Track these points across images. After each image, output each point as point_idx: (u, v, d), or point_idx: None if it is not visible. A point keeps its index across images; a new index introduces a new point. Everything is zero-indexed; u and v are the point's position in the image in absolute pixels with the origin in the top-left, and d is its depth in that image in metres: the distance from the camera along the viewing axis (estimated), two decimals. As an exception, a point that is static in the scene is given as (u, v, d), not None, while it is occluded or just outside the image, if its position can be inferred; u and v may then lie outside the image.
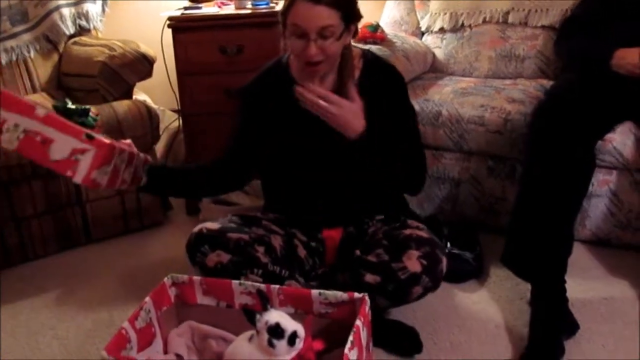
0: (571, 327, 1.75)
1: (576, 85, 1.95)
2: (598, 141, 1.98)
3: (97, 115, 1.55)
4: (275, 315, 1.40)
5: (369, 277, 1.61)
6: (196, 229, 1.73)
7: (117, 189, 1.62)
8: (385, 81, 1.75)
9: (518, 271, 1.88)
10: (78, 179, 1.40)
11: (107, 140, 1.45)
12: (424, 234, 1.67)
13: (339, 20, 1.58)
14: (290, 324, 1.39)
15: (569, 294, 1.79)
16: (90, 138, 1.38)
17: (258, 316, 1.40)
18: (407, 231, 1.68)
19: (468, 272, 2.04)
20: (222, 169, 1.84)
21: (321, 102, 1.55)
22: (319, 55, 1.59)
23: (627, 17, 2.04)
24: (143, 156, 1.70)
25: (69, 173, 1.40)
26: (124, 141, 1.65)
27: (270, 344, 1.37)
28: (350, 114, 1.59)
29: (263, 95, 1.79)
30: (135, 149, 1.65)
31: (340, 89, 1.65)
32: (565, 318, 1.75)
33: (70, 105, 1.49)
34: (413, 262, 1.59)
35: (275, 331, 1.38)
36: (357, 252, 1.70)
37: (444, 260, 1.64)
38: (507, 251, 1.89)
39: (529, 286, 1.95)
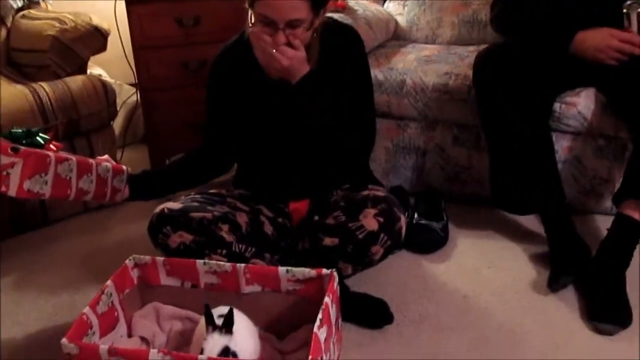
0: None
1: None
2: (556, 98, 2.01)
3: (50, 135, 1.55)
4: (210, 346, 1.33)
5: (327, 240, 1.60)
6: (157, 209, 1.68)
7: (86, 200, 1.62)
8: (343, 43, 1.74)
9: (511, 208, 2.04)
10: (12, 192, 1.38)
11: (36, 150, 1.42)
12: (380, 193, 1.68)
13: (309, 11, 1.55)
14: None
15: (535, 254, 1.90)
16: (15, 151, 1.37)
17: (209, 330, 1.35)
18: (365, 192, 1.68)
19: (436, 242, 2.03)
20: (205, 154, 1.83)
21: (274, 52, 1.55)
22: (287, 43, 1.56)
23: None
24: (119, 167, 1.70)
25: (2, 188, 1.38)
26: (100, 157, 1.69)
27: None
28: (296, 63, 1.58)
29: (227, 74, 1.76)
30: (107, 162, 1.66)
31: None
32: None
33: (15, 130, 1.47)
34: (369, 220, 1.58)
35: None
36: (316, 217, 1.69)
37: (402, 218, 1.63)
38: (495, 193, 2.02)
39: (496, 254, 1.99)
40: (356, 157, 1.82)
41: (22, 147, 1.39)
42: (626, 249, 1.76)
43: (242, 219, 1.72)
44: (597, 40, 1.84)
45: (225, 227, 1.65)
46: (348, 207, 1.63)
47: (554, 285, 1.79)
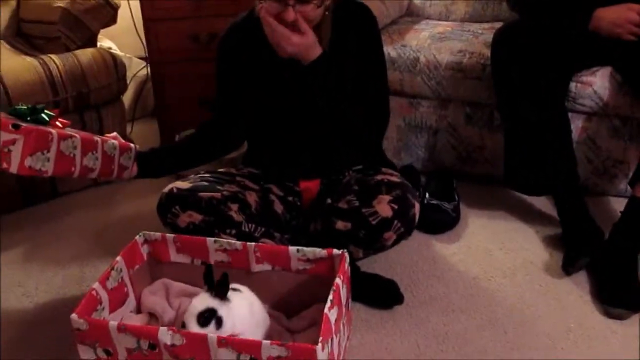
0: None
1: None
2: (572, 77, 1.98)
3: (56, 112, 1.52)
4: (192, 310, 1.33)
5: (340, 224, 1.58)
6: (166, 188, 1.67)
7: (92, 177, 1.58)
8: (356, 22, 1.69)
9: (524, 189, 2.04)
10: (13, 169, 1.36)
11: (38, 127, 1.39)
12: (395, 178, 1.65)
13: None
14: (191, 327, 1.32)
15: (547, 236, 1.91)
16: (16, 127, 1.35)
17: (201, 292, 1.36)
18: (379, 176, 1.65)
19: (447, 222, 2.02)
20: (215, 128, 1.79)
21: (281, 28, 1.51)
22: (297, 20, 1.51)
23: None
24: (127, 145, 1.67)
25: (4, 165, 1.36)
26: (108, 135, 1.66)
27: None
28: (303, 49, 1.55)
29: (235, 51, 1.72)
30: (114, 139, 1.63)
31: None
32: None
33: (21, 106, 1.45)
34: (384, 207, 1.55)
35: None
36: (329, 200, 1.66)
37: (417, 205, 1.61)
38: (508, 173, 2.01)
39: (507, 235, 1.98)
40: (368, 137, 1.79)
41: (24, 124, 1.36)
42: (639, 233, 1.74)
43: (252, 197, 1.71)
44: (616, 15, 1.81)
45: (234, 207, 1.64)
46: (362, 192, 1.61)
47: (569, 268, 1.78)
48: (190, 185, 1.67)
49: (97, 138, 1.56)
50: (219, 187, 1.68)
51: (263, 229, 1.65)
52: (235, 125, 1.81)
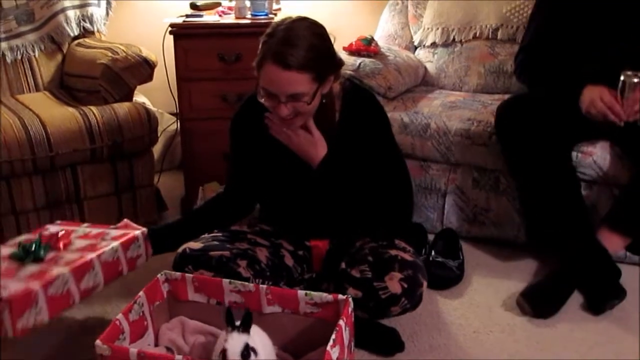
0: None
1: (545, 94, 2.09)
2: (574, 146, 2.10)
3: (47, 242, 1.66)
4: (233, 343, 1.42)
5: (351, 291, 1.66)
6: (180, 249, 1.77)
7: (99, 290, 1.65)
8: (365, 116, 1.77)
9: (547, 242, 2.12)
10: (9, 334, 1.43)
11: (17, 292, 1.44)
12: (408, 257, 1.73)
13: (311, 83, 1.57)
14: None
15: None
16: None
17: (228, 329, 1.44)
18: (393, 252, 1.74)
19: (451, 279, 2.11)
20: (228, 201, 1.88)
21: (283, 128, 1.64)
22: (292, 115, 1.61)
23: (588, 40, 2.10)
24: (131, 238, 1.72)
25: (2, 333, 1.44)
26: (119, 224, 1.77)
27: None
28: (305, 142, 1.67)
29: (247, 131, 1.82)
30: (114, 240, 1.68)
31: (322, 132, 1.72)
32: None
33: (16, 251, 1.61)
34: (394, 284, 1.65)
35: (222, 355, 1.42)
36: (343, 264, 1.75)
37: (424, 284, 1.71)
38: (530, 229, 2.16)
39: (508, 293, 2.05)
40: (385, 216, 1.83)
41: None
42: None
43: (263, 253, 1.80)
44: (591, 96, 1.96)
45: (243, 263, 1.73)
46: (375, 264, 1.70)
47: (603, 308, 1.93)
48: (202, 245, 1.77)
49: (91, 256, 1.60)
50: (228, 246, 1.78)
51: (271, 284, 1.72)
52: (247, 199, 1.90)
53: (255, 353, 1.43)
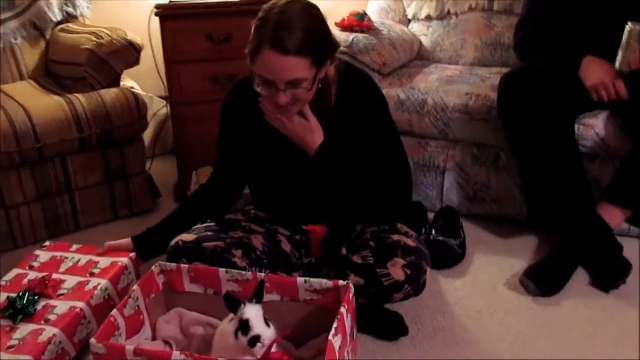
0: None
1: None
2: (576, 118, 2.06)
3: (34, 292, 1.73)
4: (253, 313, 1.42)
5: (353, 278, 1.62)
6: (173, 242, 1.72)
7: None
8: (361, 99, 1.71)
9: (549, 219, 2.10)
10: None
11: None
12: (411, 242, 1.68)
13: (310, 68, 1.50)
14: (259, 327, 1.40)
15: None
16: None
17: (242, 305, 1.43)
18: (396, 237, 1.70)
19: (453, 259, 2.08)
20: (216, 190, 1.84)
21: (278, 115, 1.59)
22: (291, 103, 1.55)
23: (588, 13, 2.05)
24: (122, 268, 1.82)
25: None
26: (109, 252, 1.87)
27: (236, 335, 1.41)
28: (301, 129, 1.62)
29: (239, 116, 1.76)
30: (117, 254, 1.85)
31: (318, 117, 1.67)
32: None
33: (6, 311, 1.65)
34: (397, 270, 1.61)
35: (244, 326, 1.40)
36: (344, 250, 1.71)
37: (428, 270, 1.67)
38: (532, 206, 2.13)
39: (511, 271, 2.02)
40: (384, 199, 1.77)
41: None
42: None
43: (258, 241, 1.75)
44: (598, 76, 1.91)
45: (238, 253, 1.69)
46: (378, 250, 1.65)
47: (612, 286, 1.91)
48: (195, 237, 1.72)
49: (81, 306, 1.67)
50: (222, 236, 1.73)
51: (268, 272, 1.67)
52: (236, 184, 1.85)
53: (268, 324, 1.43)
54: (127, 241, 1.87)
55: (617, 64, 1.92)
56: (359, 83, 1.73)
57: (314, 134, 1.64)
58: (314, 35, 1.50)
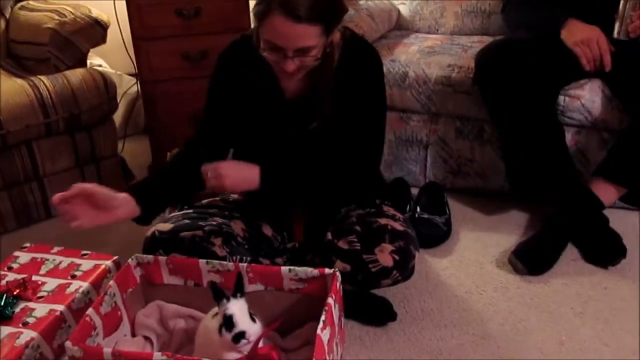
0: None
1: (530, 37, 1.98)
2: (560, 90, 2.00)
3: (13, 294, 1.64)
4: (237, 308, 1.36)
5: (339, 265, 1.57)
6: (149, 232, 1.63)
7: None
8: (364, 68, 1.63)
9: (531, 198, 2.08)
10: None
11: None
12: (398, 226, 1.62)
13: (321, 36, 1.44)
14: (243, 323, 1.35)
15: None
16: None
17: (224, 300, 1.37)
18: (383, 220, 1.63)
19: (439, 236, 2.03)
20: (201, 145, 1.71)
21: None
22: (297, 70, 1.48)
23: None
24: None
25: None
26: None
27: (220, 331, 1.35)
28: (239, 180, 1.56)
29: (234, 68, 1.67)
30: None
31: (314, 85, 1.60)
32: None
33: None
34: (385, 256, 1.55)
35: (227, 322, 1.35)
36: (329, 235, 1.65)
37: (416, 255, 1.61)
38: (513, 185, 2.08)
39: (498, 248, 1.98)
40: (360, 176, 1.71)
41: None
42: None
43: (238, 226, 1.69)
44: (582, 33, 1.87)
45: (217, 241, 1.61)
46: (364, 235, 1.59)
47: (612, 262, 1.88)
48: (172, 226, 1.63)
49: (61, 309, 1.59)
50: (201, 223, 1.65)
51: (249, 259, 1.62)
52: (221, 142, 1.74)
53: (253, 319, 1.38)
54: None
55: (615, 34, 1.88)
56: (362, 51, 1.64)
57: (245, 175, 1.57)
58: (325, 0, 1.43)
